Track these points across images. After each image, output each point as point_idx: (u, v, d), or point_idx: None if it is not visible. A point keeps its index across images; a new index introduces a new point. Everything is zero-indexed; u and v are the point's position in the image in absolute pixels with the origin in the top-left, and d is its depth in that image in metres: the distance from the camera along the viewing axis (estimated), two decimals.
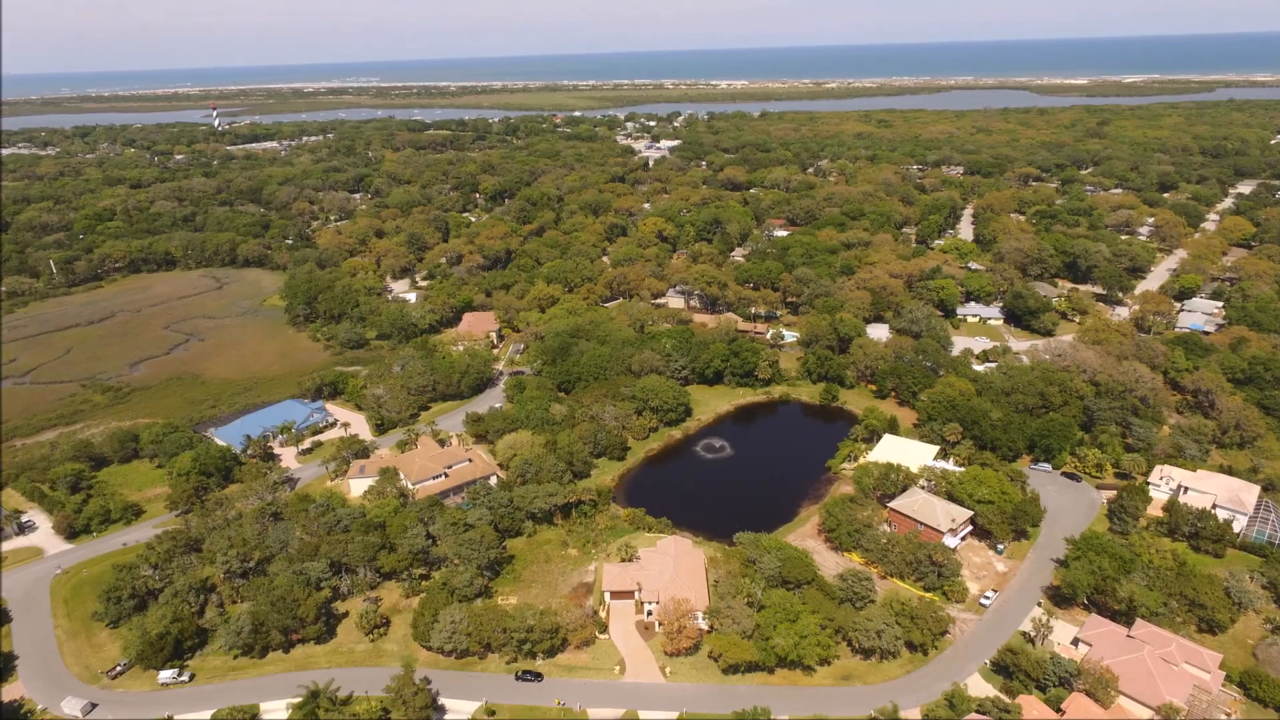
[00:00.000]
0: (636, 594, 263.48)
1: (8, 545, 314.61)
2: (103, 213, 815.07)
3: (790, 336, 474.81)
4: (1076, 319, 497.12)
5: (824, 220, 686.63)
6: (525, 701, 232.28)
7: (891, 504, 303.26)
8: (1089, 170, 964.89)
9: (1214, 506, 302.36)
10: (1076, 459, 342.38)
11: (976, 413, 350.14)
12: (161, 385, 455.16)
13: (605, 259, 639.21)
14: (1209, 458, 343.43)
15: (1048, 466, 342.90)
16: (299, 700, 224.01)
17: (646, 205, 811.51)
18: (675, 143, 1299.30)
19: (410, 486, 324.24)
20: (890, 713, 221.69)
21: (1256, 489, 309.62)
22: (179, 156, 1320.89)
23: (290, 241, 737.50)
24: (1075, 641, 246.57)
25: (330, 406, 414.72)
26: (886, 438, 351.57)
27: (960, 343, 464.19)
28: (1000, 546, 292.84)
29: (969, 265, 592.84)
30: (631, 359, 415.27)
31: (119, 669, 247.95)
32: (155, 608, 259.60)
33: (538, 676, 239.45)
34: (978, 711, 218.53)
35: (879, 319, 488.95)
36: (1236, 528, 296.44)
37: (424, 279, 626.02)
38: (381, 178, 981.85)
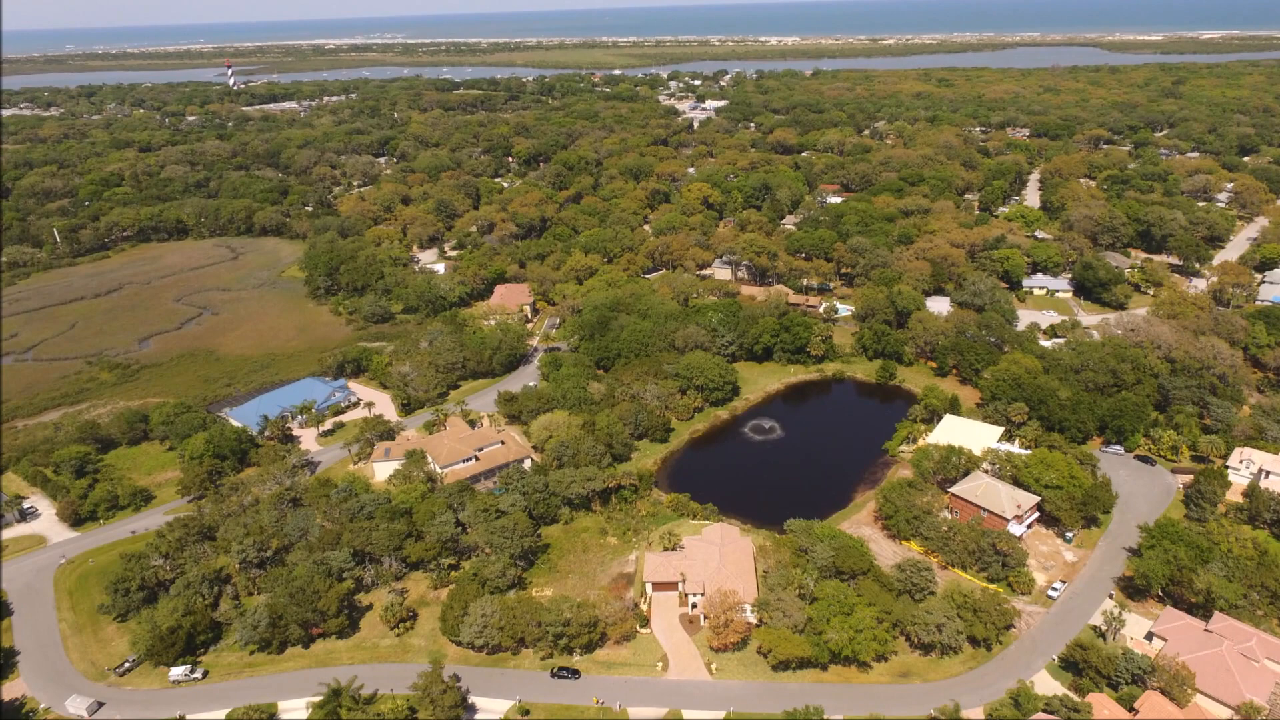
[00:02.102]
0: (680, 585, 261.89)
1: (8, 533, 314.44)
2: (110, 178, 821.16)
3: (845, 310, 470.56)
4: (1150, 291, 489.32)
5: (881, 186, 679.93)
6: (561, 700, 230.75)
7: (953, 489, 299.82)
8: (1164, 132, 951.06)
9: None
10: (1150, 441, 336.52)
11: (1044, 391, 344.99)
12: (173, 362, 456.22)
13: (647, 227, 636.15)
14: None
15: (1120, 449, 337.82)
16: (319, 699, 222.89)
17: (691, 170, 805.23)
18: (722, 103, 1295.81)
19: (438, 470, 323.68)
20: (951, 712, 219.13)
21: None
22: (191, 118, 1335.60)
23: (310, 209, 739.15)
24: (1149, 636, 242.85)
25: (353, 385, 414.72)
26: (947, 418, 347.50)
27: (1026, 317, 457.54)
28: (1069, 534, 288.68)
29: (1035, 234, 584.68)
30: (675, 334, 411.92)
31: (127, 665, 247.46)
32: (166, 600, 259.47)
33: (574, 673, 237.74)
34: (1045, 711, 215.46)
35: (939, 291, 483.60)
36: None
37: (453, 249, 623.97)
38: (408, 140, 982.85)
